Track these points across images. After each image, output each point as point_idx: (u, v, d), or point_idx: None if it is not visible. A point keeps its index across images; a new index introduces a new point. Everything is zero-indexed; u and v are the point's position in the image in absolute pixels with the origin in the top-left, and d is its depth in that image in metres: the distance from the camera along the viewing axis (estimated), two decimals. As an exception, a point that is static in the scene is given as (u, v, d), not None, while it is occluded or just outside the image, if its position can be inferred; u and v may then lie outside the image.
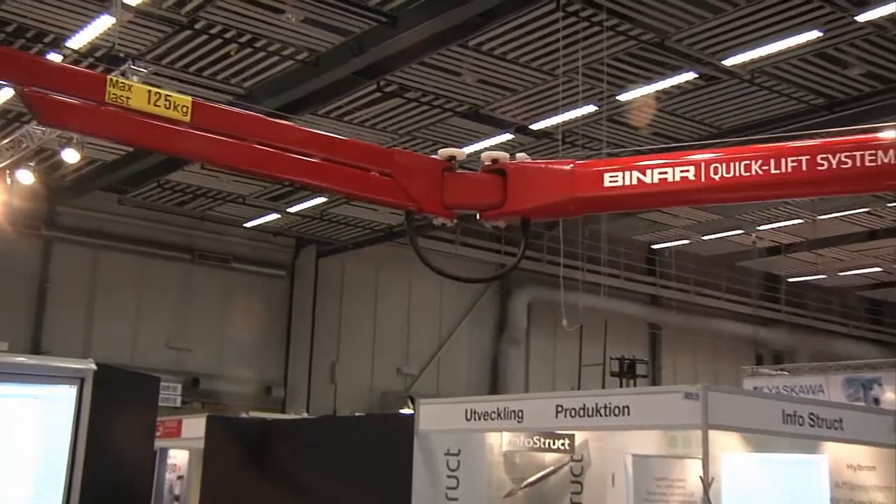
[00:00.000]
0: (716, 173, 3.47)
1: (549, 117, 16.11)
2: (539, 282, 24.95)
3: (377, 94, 15.42)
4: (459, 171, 3.80)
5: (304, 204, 21.32)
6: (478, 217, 3.72)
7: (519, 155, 3.70)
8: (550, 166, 3.69)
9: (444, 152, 3.74)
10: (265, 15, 12.97)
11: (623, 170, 3.60)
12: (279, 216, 22.31)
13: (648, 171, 3.56)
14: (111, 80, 3.13)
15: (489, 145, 16.60)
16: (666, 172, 3.54)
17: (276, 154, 3.29)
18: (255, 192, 20.80)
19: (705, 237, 24.72)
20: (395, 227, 23.20)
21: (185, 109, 3.12)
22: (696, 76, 14.63)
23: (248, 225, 22.83)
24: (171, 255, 22.12)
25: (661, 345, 28.31)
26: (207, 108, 3.23)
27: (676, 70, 14.42)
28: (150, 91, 3.13)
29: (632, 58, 14.16)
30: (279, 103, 14.52)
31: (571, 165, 3.65)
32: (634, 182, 3.57)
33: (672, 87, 15.00)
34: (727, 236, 24.53)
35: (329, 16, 12.98)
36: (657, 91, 15.14)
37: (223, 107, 3.35)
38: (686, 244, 25.60)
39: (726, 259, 27.04)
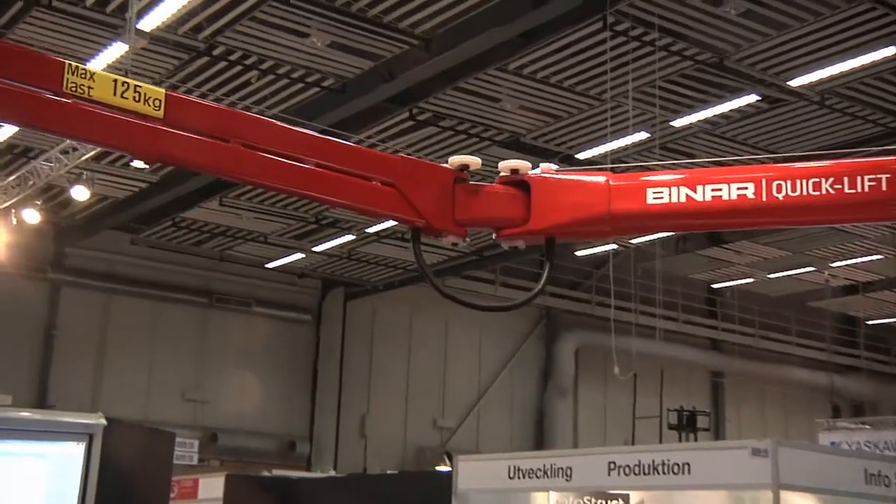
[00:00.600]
0: (779, 192, 3.37)
1: (597, 145, 16.14)
2: (588, 325, 24.80)
3: (410, 123, 15.55)
4: (473, 182, 3.67)
5: (331, 242, 21.46)
6: (494, 237, 3.59)
7: (543, 165, 3.57)
8: (582, 178, 3.58)
9: (456, 160, 3.53)
10: (288, 39, 13.17)
11: (670, 184, 3.49)
12: (304, 256, 22.46)
13: (700, 187, 3.44)
14: (69, 65, 2.91)
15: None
16: (720, 189, 3.43)
17: (263, 158, 3.12)
18: (277, 230, 20.98)
19: (772, 275, 24.46)
20: (431, 266, 23.15)
21: (157, 103, 2.91)
22: (759, 98, 14.59)
23: (271, 266, 23.00)
24: (188, 299, 22.33)
25: (724, 395, 27.94)
26: (184, 102, 3.01)
27: (737, 92, 14.40)
28: (115, 80, 2.92)
29: (687, 79, 14.16)
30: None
31: (607, 178, 3.54)
32: (683, 199, 3.45)
33: (732, 110, 14.97)
34: (797, 274, 24.26)
35: (357, 39, 13.14)
36: (715, 115, 15.10)
37: (201, 101, 3.11)
38: (750, 283, 25.35)
39: (796, 299, 26.71)
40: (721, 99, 14.60)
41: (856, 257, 22.76)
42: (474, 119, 15.64)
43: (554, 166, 3.58)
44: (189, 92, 14.67)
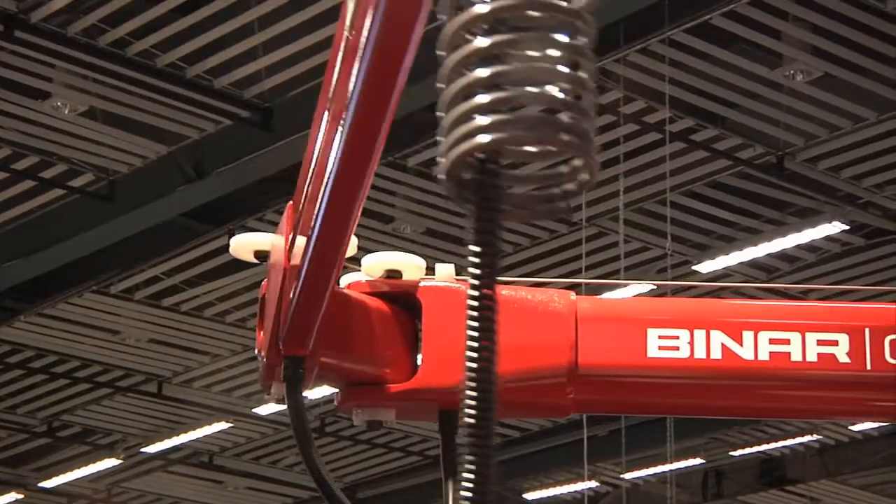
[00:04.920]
0: None
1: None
2: None
3: (228, 257, 15.44)
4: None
5: (76, 472, 21.16)
6: (336, 399, 3.43)
7: (442, 268, 3.48)
8: (526, 299, 3.45)
9: None
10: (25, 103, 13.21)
11: (693, 325, 3.43)
12: (21, 497, 22.02)
13: (748, 336, 3.42)
14: None
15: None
16: (787, 341, 3.43)
17: None
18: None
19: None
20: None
21: None
22: (846, 228, 15.03)
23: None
24: None
25: None
26: None
27: (808, 217, 14.83)
28: None
29: (722, 192, 14.62)
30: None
31: (572, 301, 3.43)
32: (716, 354, 3.40)
33: (800, 247, 15.41)
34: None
35: (137, 105, 13.30)
36: (771, 255, 15.51)
37: None
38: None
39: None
40: (781, 227, 15.02)
41: None
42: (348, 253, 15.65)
43: (453, 271, 3.47)
44: None
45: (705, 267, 15.71)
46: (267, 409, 19.02)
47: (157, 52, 12.70)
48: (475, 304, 1.71)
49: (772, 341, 3.38)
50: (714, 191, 14.58)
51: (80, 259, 14.89)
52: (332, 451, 20.79)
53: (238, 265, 15.61)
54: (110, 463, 20.94)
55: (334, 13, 11.79)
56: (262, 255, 3.51)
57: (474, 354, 1.67)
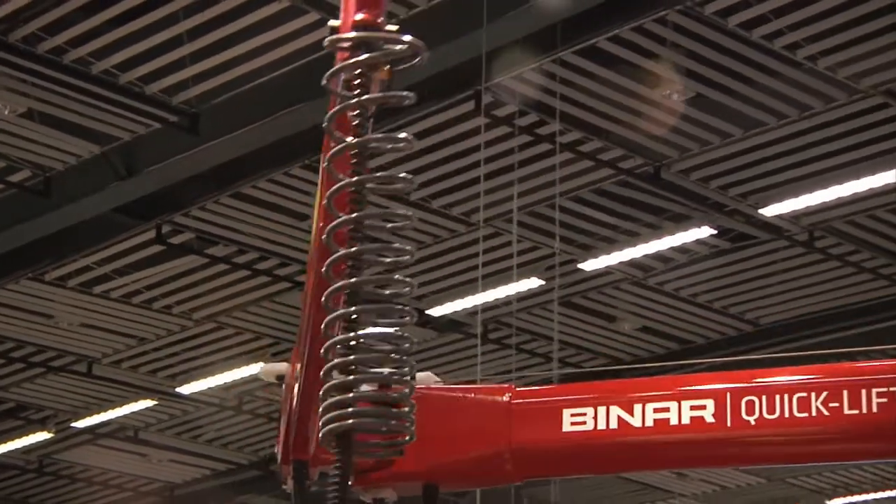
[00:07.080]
0: (751, 412, 3.80)
1: (461, 297, 16.70)
2: None
3: (157, 248, 15.57)
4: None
5: (7, 445, 21.13)
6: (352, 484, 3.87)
7: (421, 375, 3.92)
8: (473, 396, 4.06)
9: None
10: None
11: (595, 402, 3.94)
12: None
13: (637, 407, 3.88)
14: None
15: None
16: (667, 409, 3.86)
17: None
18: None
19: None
20: None
21: None
22: (715, 233, 15.42)
23: None
24: None
25: None
26: None
27: (681, 222, 15.22)
28: None
29: (605, 198, 14.97)
30: None
31: (509, 395, 4.01)
32: (614, 425, 3.89)
33: (673, 250, 15.77)
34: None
35: (72, 108, 13.49)
36: (647, 256, 15.89)
37: None
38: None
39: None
40: (657, 231, 15.39)
41: (866, 492, 23.29)
42: (265, 247, 15.96)
43: (434, 377, 4.00)
44: None
45: (589, 265, 16.13)
46: (189, 388, 19.32)
47: (92, 60, 12.84)
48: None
49: (657, 410, 3.86)
50: (598, 197, 14.94)
51: (17, 249, 15.05)
52: (250, 428, 20.83)
53: (165, 256, 15.81)
54: (42, 436, 20.99)
55: (256, 28, 12.09)
56: (281, 378, 4.14)
57: None
